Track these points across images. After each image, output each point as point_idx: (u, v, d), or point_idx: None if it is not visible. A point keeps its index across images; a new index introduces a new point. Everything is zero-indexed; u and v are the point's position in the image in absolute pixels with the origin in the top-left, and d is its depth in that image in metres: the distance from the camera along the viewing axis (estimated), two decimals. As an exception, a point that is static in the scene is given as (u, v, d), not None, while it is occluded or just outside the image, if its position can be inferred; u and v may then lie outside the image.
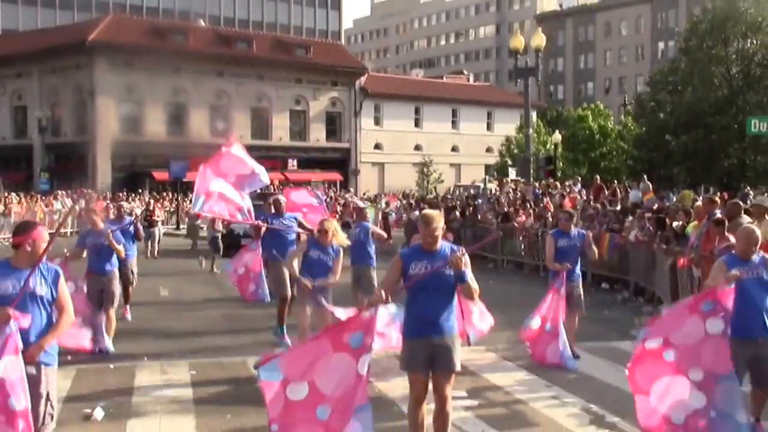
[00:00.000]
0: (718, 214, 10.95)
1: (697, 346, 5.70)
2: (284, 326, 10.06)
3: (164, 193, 40.14)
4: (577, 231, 9.56)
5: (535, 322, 9.00)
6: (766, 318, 6.07)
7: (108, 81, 45.62)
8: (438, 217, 5.60)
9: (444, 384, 5.52)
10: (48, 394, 5.03)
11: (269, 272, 10.49)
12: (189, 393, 7.86)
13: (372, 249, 10.37)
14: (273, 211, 10.62)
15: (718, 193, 20.15)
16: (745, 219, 10.47)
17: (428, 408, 5.65)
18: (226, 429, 6.73)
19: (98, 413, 6.99)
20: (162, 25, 52.27)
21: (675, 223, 12.88)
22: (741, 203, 10.77)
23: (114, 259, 9.77)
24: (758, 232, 6.32)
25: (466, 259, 5.46)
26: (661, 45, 78.38)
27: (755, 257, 6.18)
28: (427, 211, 6.01)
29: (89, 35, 45.88)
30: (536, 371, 8.74)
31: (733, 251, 6.60)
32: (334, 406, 5.17)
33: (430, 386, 5.59)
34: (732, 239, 10.08)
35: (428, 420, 5.67)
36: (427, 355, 5.45)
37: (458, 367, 5.60)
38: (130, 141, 44.62)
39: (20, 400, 4.59)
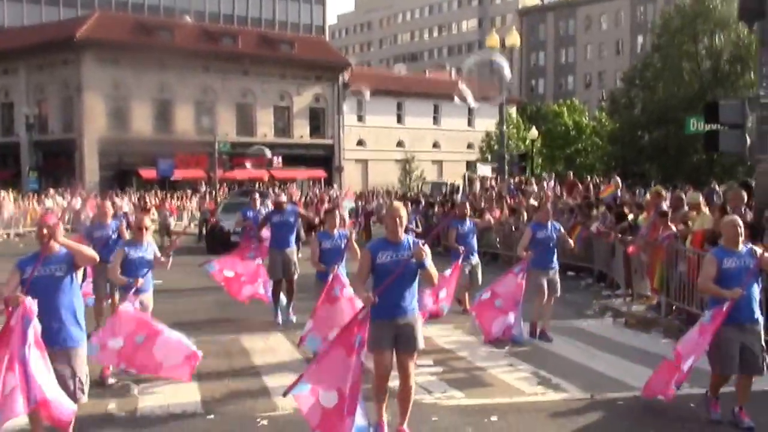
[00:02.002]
0: (664, 206, 12.14)
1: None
2: (278, 305, 11.55)
3: (152, 191, 40.89)
4: (552, 224, 10.24)
5: (486, 294, 10.03)
6: (753, 305, 6.55)
7: (95, 77, 46.24)
8: (401, 208, 6.18)
9: (408, 361, 6.07)
10: (76, 372, 5.78)
11: (269, 258, 11.72)
12: (190, 365, 8.95)
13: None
14: (275, 207, 11.94)
15: (689, 188, 21.14)
16: (685, 210, 11.68)
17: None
18: (225, 392, 7.80)
19: (111, 380, 8.09)
20: (148, 22, 52.89)
21: (630, 216, 14.05)
22: (683, 197, 11.92)
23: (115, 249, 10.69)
24: (740, 222, 6.74)
25: (427, 249, 6.01)
26: (640, 39, 79.71)
27: (742, 247, 6.60)
28: (393, 202, 6.83)
29: (77, 32, 46.48)
30: (496, 345, 9.87)
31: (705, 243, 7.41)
32: (349, 397, 5.69)
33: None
34: (674, 228, 11.31)
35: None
36: (392, 335, 5.99)
37: (422, 345, 6.16)
38: (117, 138, 45.23)
39: (50, 389, 5.32)
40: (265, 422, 6.85)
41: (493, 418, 6.92)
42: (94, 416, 6.98)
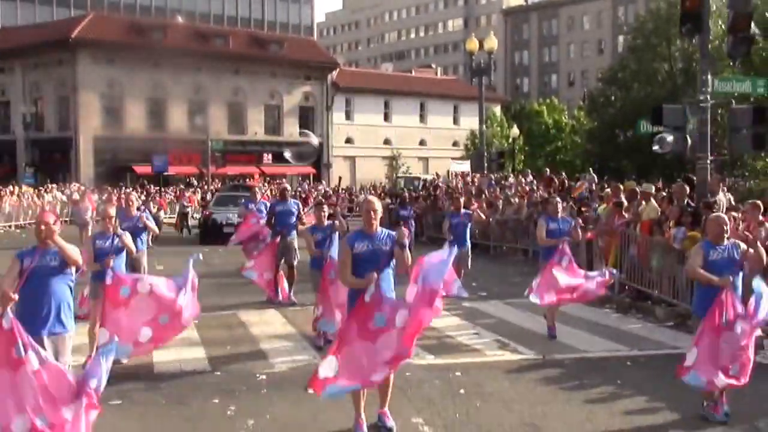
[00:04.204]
0: (623, 198, 13.47)
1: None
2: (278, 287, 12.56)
3: (147, 187, 41.97)
4: (563, 217, 10.32)
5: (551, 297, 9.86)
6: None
7: (90, 77, 47.31)
8: (376, 201, 6.55)
9: None
10: (59, 359, 5.86)
11: (279, 243, 12.59)
12: (196, 335, 10.15)
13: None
14: (279, 197, 13.12)
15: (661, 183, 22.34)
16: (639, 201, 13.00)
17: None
18: (228, 355, 9.06)
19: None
20: (142, 23, 53.91)
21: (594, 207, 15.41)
22: (637, 189, 13.23)
23: (143, 238, 11.21)
24: (726, 218, 7.01)
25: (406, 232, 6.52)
26: (621, 39, 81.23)
27: (727, 243, 6.79)
28: (369, 197, 7.55)
29: (72, 32, 47.50)
30: (466, 318, 11.22)
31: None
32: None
33: None
34: (627, 216, 12.64)
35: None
36: None
37: None
38: (112, 136, 46.42)
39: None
40: (263, 377, 8.09)
41: (457, 373, 8.20)
42: (117, 373, 8.08)
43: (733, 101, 12.52)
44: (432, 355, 9.04)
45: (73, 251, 6.15)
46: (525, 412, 6.91)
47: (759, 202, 9.77)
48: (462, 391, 7.58)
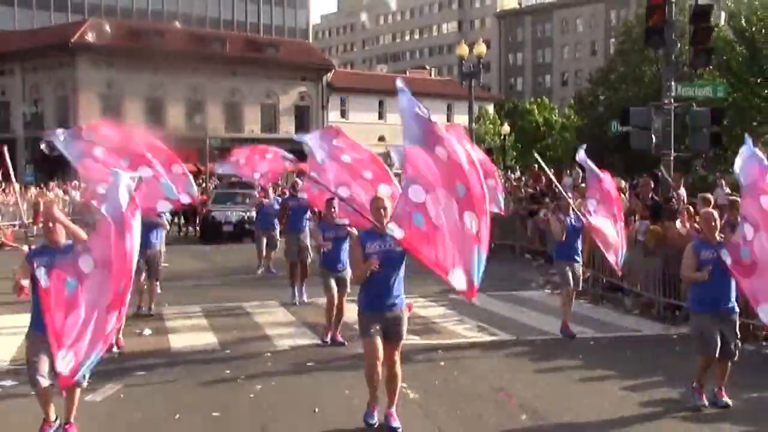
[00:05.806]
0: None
1: None
2: (295, 287, 12.63)
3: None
4: (576, 214, 10.13)
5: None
6: (729, 295, 6.93)
7: (90, 79, 48.25)
8: (386, 198, 6.59)
9: (393, 351, 6.37)
10: None
11: (286, 240, 13.02)
12: (204, 322, 11.21)
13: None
14: (291, 192, 13.77)
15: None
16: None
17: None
18: (235, 337, 10.07)
19: (147, 331, 10.35)
20: (141, 27, 54.87)
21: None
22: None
23: (156, 234, 11.66)
24: (716, 215, 7.17)
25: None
26: (613, 41, 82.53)
27: (720, 238, 7.03)
28: (377, 193, 7.72)
29: (72, 37, 48.48)
30: (452, 308, 12.19)
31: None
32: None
33: None
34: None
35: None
36: (380, 326, 6.26)
37: (405, 337, 6.55)
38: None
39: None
40: (268, 354, 9.15)
41: (439, 351, 9.26)
42: (137, 352, 9.25)
43: (694, 105, 13.55)
44: (417, 336, 10.06)
45: (78, 230, 6.23)
46: (495, 380, 7.98)
47: (709, 195, 10.74)
48: (442, 363, 8.65)
